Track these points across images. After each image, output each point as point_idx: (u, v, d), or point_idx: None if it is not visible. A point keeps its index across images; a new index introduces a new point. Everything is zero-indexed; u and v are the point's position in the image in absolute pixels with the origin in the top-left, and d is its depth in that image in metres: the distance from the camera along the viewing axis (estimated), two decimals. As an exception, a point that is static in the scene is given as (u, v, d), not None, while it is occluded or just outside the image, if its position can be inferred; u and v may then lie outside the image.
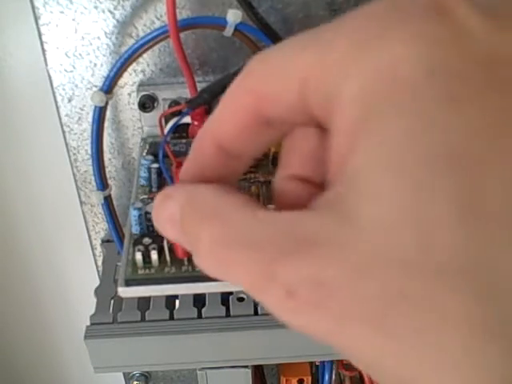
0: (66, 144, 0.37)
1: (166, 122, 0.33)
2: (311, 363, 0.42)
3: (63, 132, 0.36)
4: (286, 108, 0.14)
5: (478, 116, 0.11)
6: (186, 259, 0.25)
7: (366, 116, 0.12)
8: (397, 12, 0.12)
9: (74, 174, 0.38)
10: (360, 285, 0.12)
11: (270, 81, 0.14)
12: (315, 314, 0.12)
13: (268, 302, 0.13)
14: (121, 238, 0.36)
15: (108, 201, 0.35)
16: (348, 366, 0.42)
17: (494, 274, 0.11)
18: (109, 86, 0.32)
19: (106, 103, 0.32)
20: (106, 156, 0.36)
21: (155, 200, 0.16)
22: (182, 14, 0.32)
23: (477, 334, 0.11)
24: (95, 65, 0.34)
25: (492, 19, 0.12)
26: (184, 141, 0.32)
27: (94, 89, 0.34)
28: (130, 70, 0.33)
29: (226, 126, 0.15)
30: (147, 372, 0.47)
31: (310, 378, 0.41)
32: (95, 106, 0.32)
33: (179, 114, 0.31)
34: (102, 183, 0.34)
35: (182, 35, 0.29)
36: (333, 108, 0.13)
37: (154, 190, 0.29)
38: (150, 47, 0.31)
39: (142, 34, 0.33)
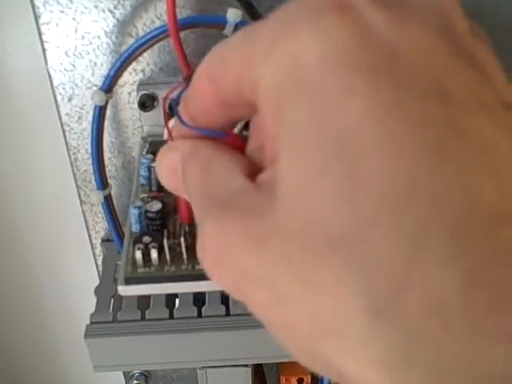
0: (66, 143, 0.37)
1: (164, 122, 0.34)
2: (311, 362, 0.42)
3: (63, 131, 0.36)
4: (230, 93, 0.16)
5: (365, 104, 0.12)
6: (185, 258, 0.26)
7: (279, 104, 0.13)
8: (306, 10, 0.13)
9: (73, 174, 0.38)
10: (255, 248, 0.13)
11: (217, 69, 0.16)
12: (217, 267, 0.15)
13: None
14: (121, 237, 0.36)
15: (108, 200, 0.35)
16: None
17: (367, 246, 0.12)
18: (109, 85, 0.32)
19: (106, 102, 0.32)
20: (106, 155, 0.36)
21: (159, 152, 0.18)
22: (182, 13, 0.32)
23: (346, 298, 0.12)
24: (95, 64, 0.34)
25: (391, 15, 0.13)
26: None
27: (94, 88, 0.34)
28: (130, 69, 0.33)
29: (194, 104, 0.17)
30: (147, 371, 0.47)
31: (309, 377, 0.41)
32: (95, 105, 0.32)
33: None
34: (102, 182, 0.34)
35: (181, 34, 0.29)
36: (257, 96, 0.14)
37: (153, 188, 0.29)
38: (150, 46, 0.31)
39: (141, 33, 0.33)
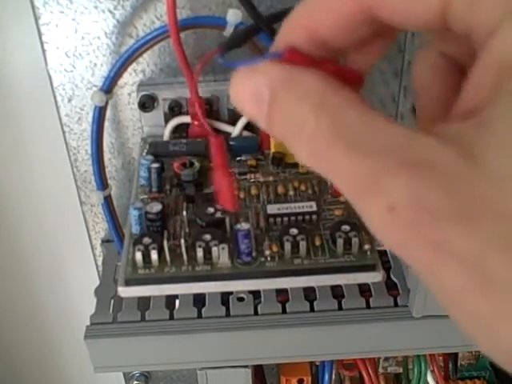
0: (66, 144, 0.37)
1: (166, 121, 0.33)
2: (311, 363, 0.42)
3: (63, 132, 0.36)
4: (418, 18, 0.14)
5: None
6: (186, 259, 0.25)
7: None
8: None
9: (74, 174, 0.38)
10: (463, 222, 0.12)
11: None
12: (411, 234, 0.12)
13: (366, 210, 0.13)
14: (121, 237, 0.36)
15: (108, 201, 0.35)
16: (348, 366, 0.42)
17: None
18: (109, 86, 0.32)
19: (106, 103, 0.32)
20: (106, 156, 0.36)
21: (235, 74, 0.15)
22: (182, 13, 0.32)
23: None
24: (95, 65, 0.34)
25: None
26: (184, 141, 0.32)
27: (94, 89, 0.34)
28: (129, 69, 0.33)
29: (324, 17, 0.15)
30: (147, 372, 0.47)
31: (309, 378, 0.41)
32: (95, 106, 0.32)
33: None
34: (102, 183, 0.34)
35: (182, 35, 0.29)
36: (480, 42, 0.13)
37: (153, 189, 0.29)
38: (150, 47, 0.31)
39: (142, 33, 0.33)
